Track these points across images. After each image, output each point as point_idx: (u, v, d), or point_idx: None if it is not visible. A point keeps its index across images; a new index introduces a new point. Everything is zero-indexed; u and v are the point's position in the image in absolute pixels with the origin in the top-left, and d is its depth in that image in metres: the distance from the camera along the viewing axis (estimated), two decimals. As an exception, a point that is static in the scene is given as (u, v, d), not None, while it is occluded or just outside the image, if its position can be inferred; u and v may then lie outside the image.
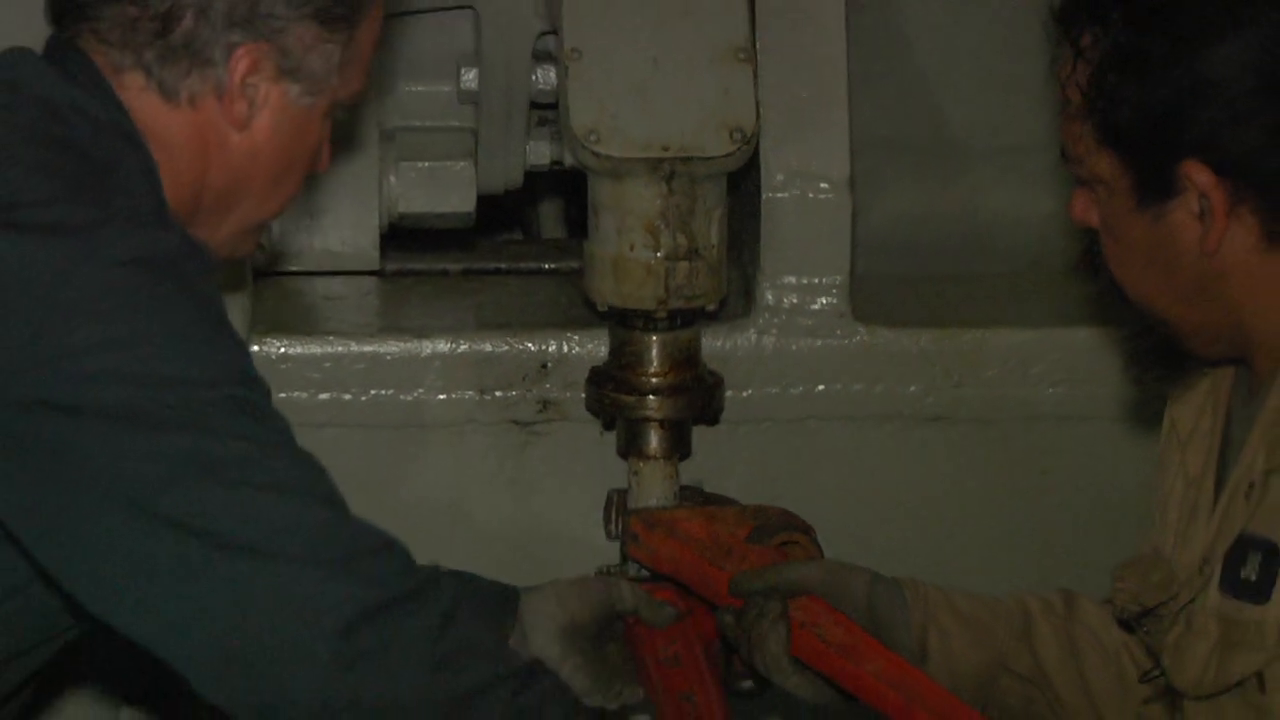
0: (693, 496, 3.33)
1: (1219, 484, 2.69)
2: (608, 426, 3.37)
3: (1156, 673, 2.76)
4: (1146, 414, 3.01)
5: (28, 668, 2.81)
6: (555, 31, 3.37)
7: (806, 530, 3.17)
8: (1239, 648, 2.54)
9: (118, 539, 2.45)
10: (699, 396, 3.29)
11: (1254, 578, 2.53)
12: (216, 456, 2.44)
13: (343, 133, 3.53)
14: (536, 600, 3.06)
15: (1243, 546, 2.55)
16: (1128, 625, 2.83)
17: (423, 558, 3.30)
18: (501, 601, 3.05)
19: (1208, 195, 2.54)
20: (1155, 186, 2.58)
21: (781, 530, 3.14)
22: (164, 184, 2.64)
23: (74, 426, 2.42)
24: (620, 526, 3.29)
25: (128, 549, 2.45)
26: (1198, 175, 2.54)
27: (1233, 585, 2.56)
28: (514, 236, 4.21)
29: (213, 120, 2.64)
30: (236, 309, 3.30)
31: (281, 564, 2.44)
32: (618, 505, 3.32)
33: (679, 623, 3.13)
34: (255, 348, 3.33)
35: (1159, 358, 2.78)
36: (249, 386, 2.53)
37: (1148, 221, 2.61)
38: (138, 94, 2.62)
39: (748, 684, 3.11)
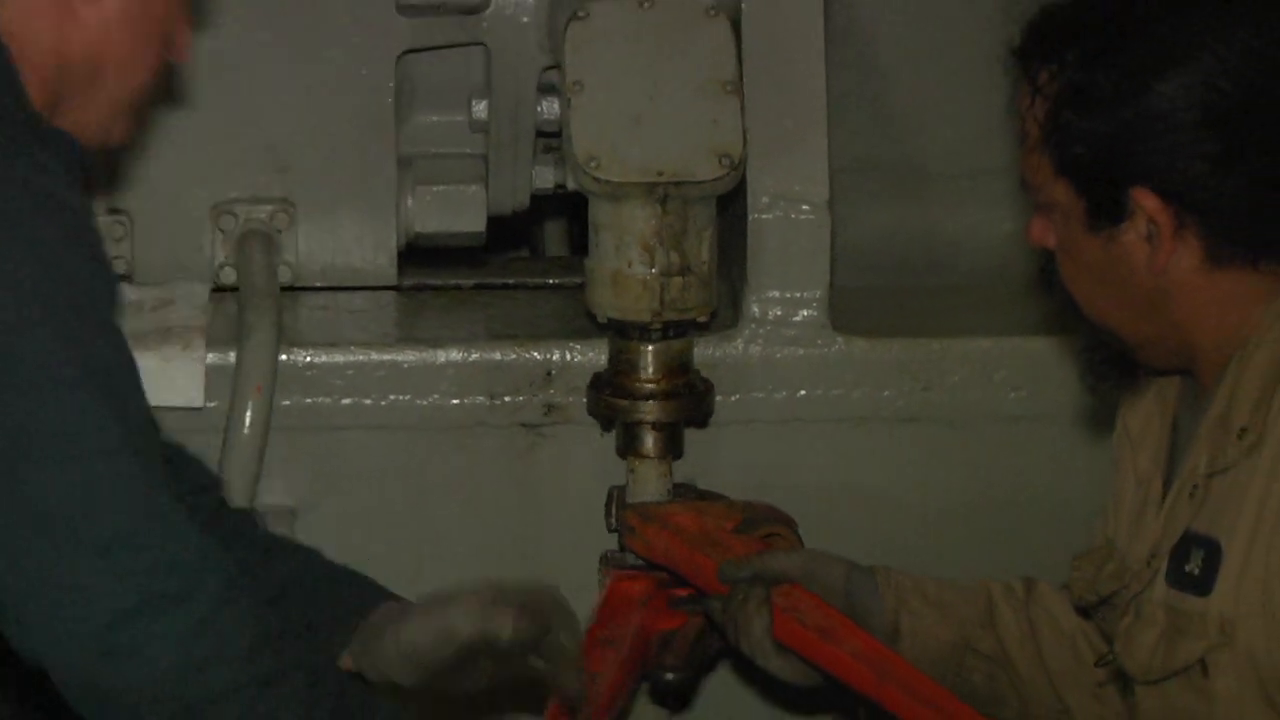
0: (685, 493, 3.32)
1: (1166, 483, 2.70)
2: (607, 428, 3.36)
3: (1110, 657, 2.74)
4: (1100, 417, 3.00)
5: None
6: (558, 66, 3.36)
7: (789, 523, 3.18)
8: (1184, 636, 2.55)
9: None
10: (691, 401, 3.30)
11: (1197, 572, 2.54)
12: (31, 410, 2.40)
13: (364, 160, 3.56)
14: (406, 622, 2.94)
15: (1187, 543, 2.56)
16: (1085, 611, 2.83)
17: (439, 549, 3.47)
18: (342, 617, 2.98)
19: (1155, 219, 2.55)
20: (1107, 211, 2.59)
21: (766, 523, 3.16)
22: (27, 71, 2.60)
23: None
24: (618, 520, 3.30)
25: None
26: (1146, 201, 2.55)
27: (1178, 579, 2.56)
28: (521, 254, 4.20)
29: (66, 3, 2.61)
30: (265, 322, 3.34)
31: (71, 551, 2.40)
32: (617, 500, 3.31)
33: (639, 611, 3.15)
34: (284, 356, 3.33)
35: (1113, 368, 2.78)
36: (98, 338, 2.49)
37: (1101, 243, 2.62)
38: None
39: (670, 676, 3.09)
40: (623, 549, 3.27)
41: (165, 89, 3.39)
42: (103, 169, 3.48)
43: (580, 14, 3.30)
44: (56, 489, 2.40)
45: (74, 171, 2.59)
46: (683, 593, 3.18)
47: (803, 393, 3.43)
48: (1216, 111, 2.54)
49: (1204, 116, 2.54)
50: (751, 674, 3.27)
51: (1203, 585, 2.53)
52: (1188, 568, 2.56)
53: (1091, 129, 2.58)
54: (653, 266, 3.21)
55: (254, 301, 3.37)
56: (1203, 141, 2.54)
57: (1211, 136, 2.54)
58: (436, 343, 3.42)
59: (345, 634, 2.96)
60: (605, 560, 3.29)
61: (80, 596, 2.39)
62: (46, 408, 2.40)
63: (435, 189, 3.59)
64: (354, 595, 3.00)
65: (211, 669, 2.42)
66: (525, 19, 3.53)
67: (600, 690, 3.03)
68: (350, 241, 3.56)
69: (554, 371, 3.39)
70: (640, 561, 3.24)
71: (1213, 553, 2.53)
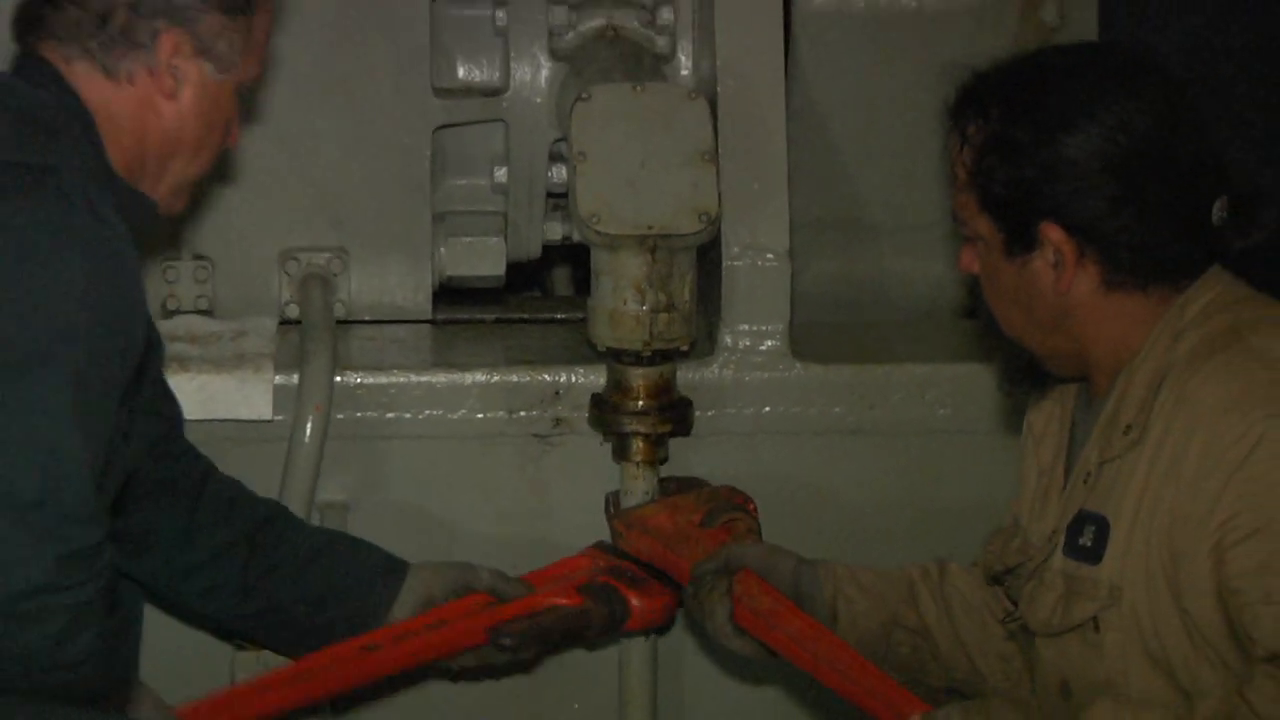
0: (670, 480, 3.31)
1: (1066, 473, 2.70)
2: (606, 438, 3.35)
3: (1015, 615, 2.75)
4: (1013, 429, 2.99)
5: None
6: (566, 139, 3.34)
7: (746, 503, 3.20)
8: (1079, 598, 2.56)
9: None
10: (674, 416, 3.30)
11: (1089, 544, 2.56)
12: (27, 419, 2.39)
13: (405, 215, 3.56)
14: (410, 578, 3.10)
15: (1081, 520, 2.58)
16: (995, 580, 2.82)
17: (465, 537, 3.42)
18: (388, 570, 3.10)
19: (1060, 249, 2.57)
20: (1021, 242, 2.60)
21: (726, 511, 3.15)
22: (113, 148, 2.63)
23: None
24: (610, 527, 3.28)
25: None
26: (1053, 234, 2.57)
27: (1074, 550, 2.58)
28: (534, 294, 4.20)
29: (148, 93, 2.65)
30: (323, 350, 3.34)
31: (10, 523, 2.39)
32: (614, 504, 3.31)
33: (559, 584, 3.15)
34: (338, 378, 3.33)
35: (1025, 375, 2.79)
36: (100, 360, 2.48)
37: (1016, 269, 2.63)
38: (86, 77, 2.63)
39: (505, 641, 3.06)
40: (614, 542, 3.27)
41: (220, 164, 3.29)
42: (189, 223, 3.48)
43: (584, 96, 3.30)
44: (27, 462, 2.40)
45: (133, 224, 2.62)
46: (601, 580, 3.18)
47: (767, 409, 3.42)
48: (1113, 160, 2.55)
49: (1103, 164, 2.55)
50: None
51: (1094, 555, 2.55)
52: (1082, 541, 2.57)
53: (1009, 173, 2.59)
54: (643, 304, 3.21)
55: (313, 333, 3.37)
56: (1102, 185, 2.55)
57: (1109, 181, 2.55)
58: (464, 367, 3.41)
59: (394, 584, 3.07)
60: (598, 547, 3.29)
61: (8, 567, 2.39)
62: (38, 395, 2.41)
63: (463, 240, 3.59)
64: (384, 561, 3.12)
65: (75, 642, 2.45)
66: (538, 100, 3.54)
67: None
68: (393, 283, 3.55)
69: (561, 391, 3.39)
70: (623, 555, 3.24)
71: (1103, 528, 2.55)
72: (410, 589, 3.12)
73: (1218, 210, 2.60)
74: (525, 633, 3.10)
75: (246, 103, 2.97)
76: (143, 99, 2.67)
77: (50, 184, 2.50)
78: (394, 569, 3.14)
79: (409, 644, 3.07)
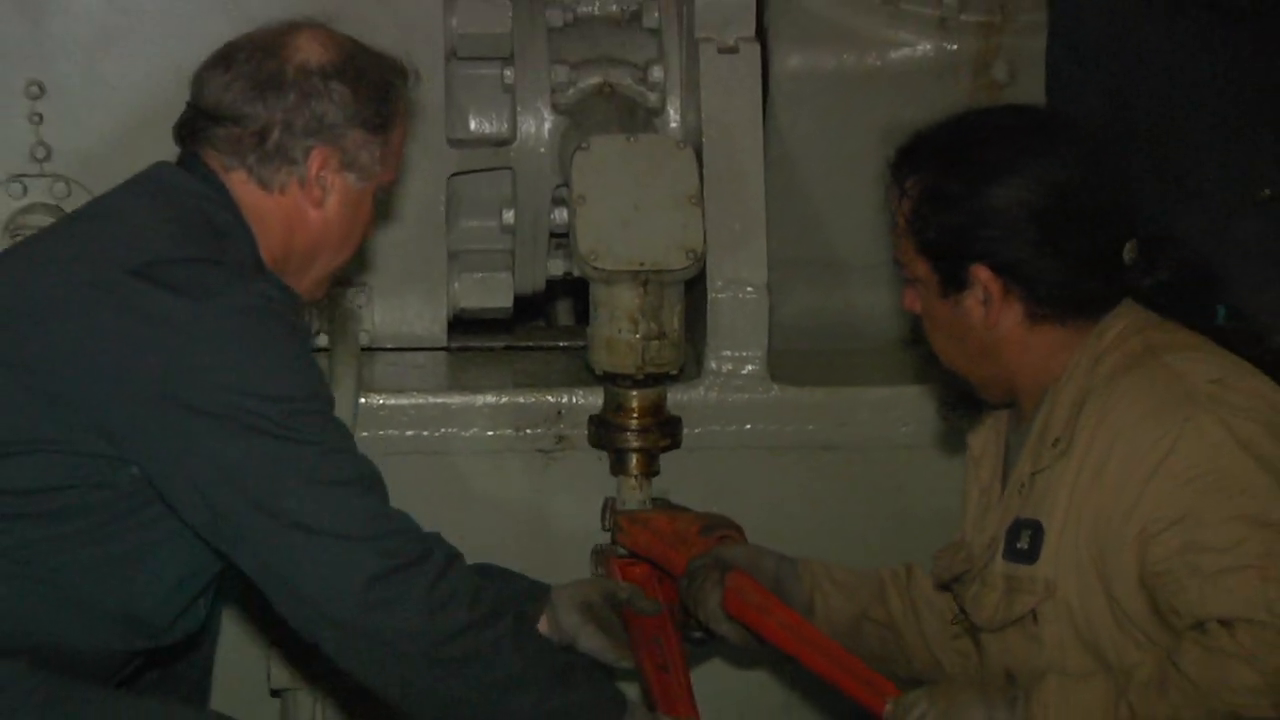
0: (661, 505, 3.32)
1: (1003, 488, 2.71)
2: (604, 454, 3.35)
3: (962, 617, 2.76)
4: (958, 444, 3.00)
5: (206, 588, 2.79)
6: (567, 184, 3.35)
7: (738, 529, 3.17)
8: (1019, 594, 2.58)
9: (221, 514, 2.51)
10: (665, 433, 3.31)
11: (1026, 547, 2.58)
12: (294, 457, 2.49)
13: (422, 254, 3.55)
14: (562, 589, 3.01)
15: (1018, 527, 2.59)
16: (944, 587, 2.83)
17: (478, 542, 3.15)
18: (536, 593, 3.00)
19: (988, 288, 2.59)
20: (954, 282, 2.62)
21: (721, 527, 3.15)
22: (262, 247, 2.67)
23: (197, 421, 2.46)
24: (611, 522, 3.29)
25: (230, 518, 2.50)
26: (982, 274, 2.59)
27: (1012, 553, 2.59)
28: (538, 324, 4.16)
29: (297, 202, 2.68)
30: (350, 374, 3.33)
31: (323, 538, 2.47)
32: (610, 507, 3.31)
33: (660, 614, 3.07)
34: (362, 400, 3.33)
35: (960, 402, 2.81)
36: (322, 401, 2.59)
37: (950, 306, 2.64)
38: (242, 185, 2.65)
39: (697, 634, 3.06)
40: (613, 542, 3.27)
41: None
42: None
43: (583, 146, 3.30)
44: (324, 504, 2.50)
45: (293, 305, 2.71)
46: (643, 570, 3.18)
47: (748, 427, 3.43)
48: (1035, 209, 2.57)
49: (1026, 213, 2.57)
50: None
51: (1031, 556, 2.57)
52: (1019, 544, 2.58)
53: (943, 221, 2.61)
54: (637, 333, 3.22)
55: (341, 359, 3.37)
56: (1025, 231, 2.57)
57: (1031, 227, 2.57)
58: (476, 390, 3.42)
59: (536, 604, 3.01)
60: (596, 551, 3.29)
61: (344, 568, 2.48)
62: (314, 451, 2.52)
63: (475, 275, 3.59)
64: (532, 585, 3.05)
65: (447, 611, 2.51)
66: (542, 150, 3.55)
67: (673, 674, 3.00)
68: (412, 314, 3.55)
69: (563, 411, 3.39)
70: (626, 552, 3.24)
71: (1037, 531, 2.56)
72: (567, 597, 3.03)
73: (1128, 252, 2.62)
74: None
75: (382, 202, 2.97)
76: (293, 207, 2.69)
77: (219, 276, 2.54)
78: (537, 593, 3.06)
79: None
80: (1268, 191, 3.07)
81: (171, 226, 2.60)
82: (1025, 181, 2.59)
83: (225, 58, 2.69)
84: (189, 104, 2.71)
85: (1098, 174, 2.62)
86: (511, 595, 2.93)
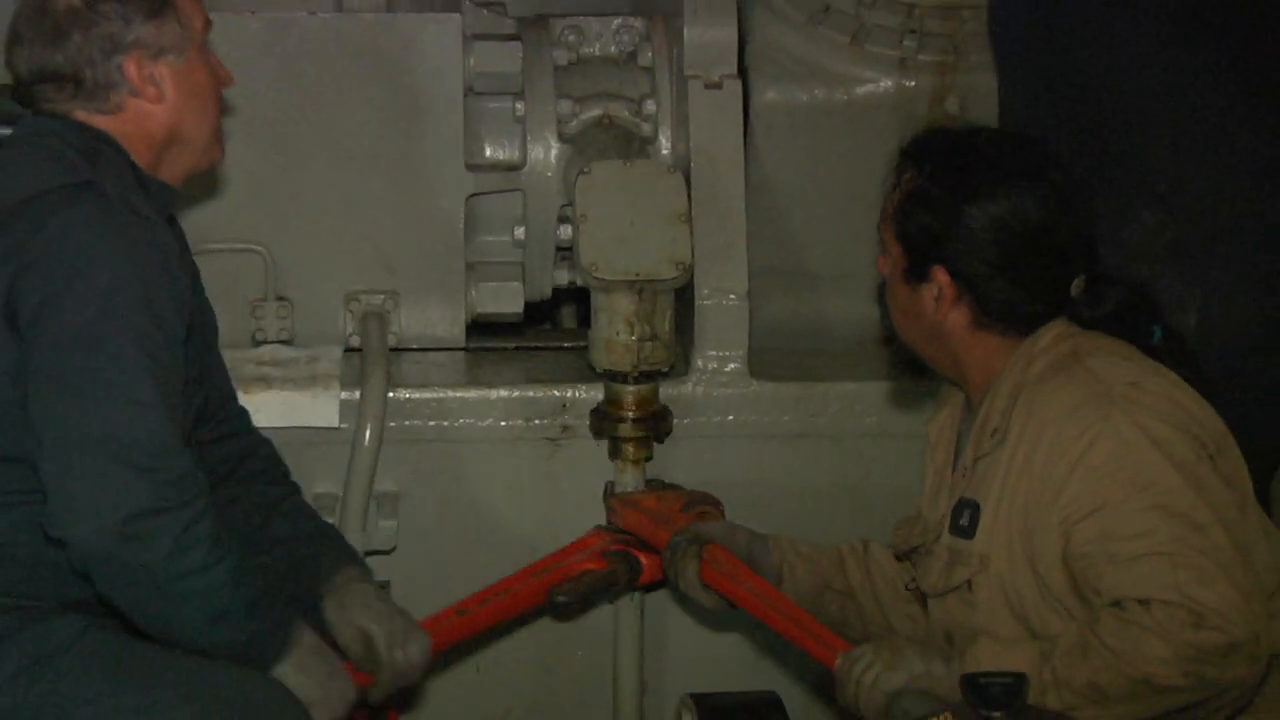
0: (656, 484, 3.32)
1: (954, 472, 2.71)
2: (602, 441, 3.37)
3: (914, 584, 2.78)
4: (916, 432, 2.96)
5: None
6: (571, 204, 3.36)
7: (717, 503, 3.20)
8: (958, 566, 2.60)
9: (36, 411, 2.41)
10: (656, 423, 3.31)
11: (966, 524, 2.59)
12: (112, 378, 2.39)
13: (444, 265, 3.53)
14: (347, 610, 2.79)
15: (961, 505, 2.61)
16: (902, 556, 2.83)
17: (492, 519, 3.41)
18: (335, 561, 2.84)
19: (943, 289, 2.59)
20: (917, 273, 2.62)
21: (701, 504, 3.18)
22: (133, 155, 2.60)
23: (46, 323, 2.40)
24: (607, 504, 3.31)
25: (34, 425, 2.40)
26: (940, 276, 2.59)
27: (956, 529, 2.61)
28: (545, 327, 4.12)
29: (141, 108, 2.61)
30: (380, 371, 3.34)
31: (101, 459, 2.37)
32: (609, 490, 3.33)
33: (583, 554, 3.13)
34: (391, 394, 3.33)
35: (908, 368, 2.86)
36: (163, 325, 2.47)
37: (909, 291, 2.64)
38: (90, 116, 2.59)
39: (560, 598, 3.07)
40: (610, 523, 3.28)
41: (296, 225, 3.33)
42: (274, 272, 3.48)
43: (585, 171, 3.32)
44: (111, 421, 2.39)
45: (164, 212, 2.63)
46: (617, 549, 3.18)
47: (731, 418, 3.43)
48: (1001, 235, 2.57)
49: (992, 237, 2.56)
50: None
51: (969, 532, 2.58)
52: (961, 522, 2.60)
53: (922, 220, 2.61)
54: (633, 335, 3.24)
55: (371, 358, 3.38)
56: (987, 251, 2.57)
57: (993, 250, 2.57)
58: (491, 385, 3.42)
59: (316, 582, 2.82)
60: (599, 528, 3.28)
61: (113, 496, 2.38)
62: (113, 365, 2.41)
63: (490, 284, 3.59)
64: (328, 553, 2.87)
65: (186, 556, 2.41)
66: (549, 174, 3.55)
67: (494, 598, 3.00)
68: (435, 318, 3.55)
69: (567, 404, 3.40)
70: (620, 530, 3.23)
71: (975, 510, 2.58)
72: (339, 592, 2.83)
73: (1076, 287, 2.61)
74: (575, 590, 3.12)
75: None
76: (137, 114, 2.63)
77: (92, 195, 2.50)
78: (352, 558, 2.92)
79: (491, 606, 3.04)
80: (1161, 186, 3.03)
81: (38, 162, 2.57)
82: (999, 209, 2.57)
83: (15, 34, 2.64)
84: (14, 83, 2.66)
85: (1067, 217, 2.60)
86: (289, 540, 2.85)
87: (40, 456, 2.42)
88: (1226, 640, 2.32)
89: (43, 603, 2.54)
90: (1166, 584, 2.34)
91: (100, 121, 2.62)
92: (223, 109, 2.81)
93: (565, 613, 3.24)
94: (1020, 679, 2.16)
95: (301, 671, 2.59)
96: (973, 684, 2.14)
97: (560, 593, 3.11)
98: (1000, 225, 2.57)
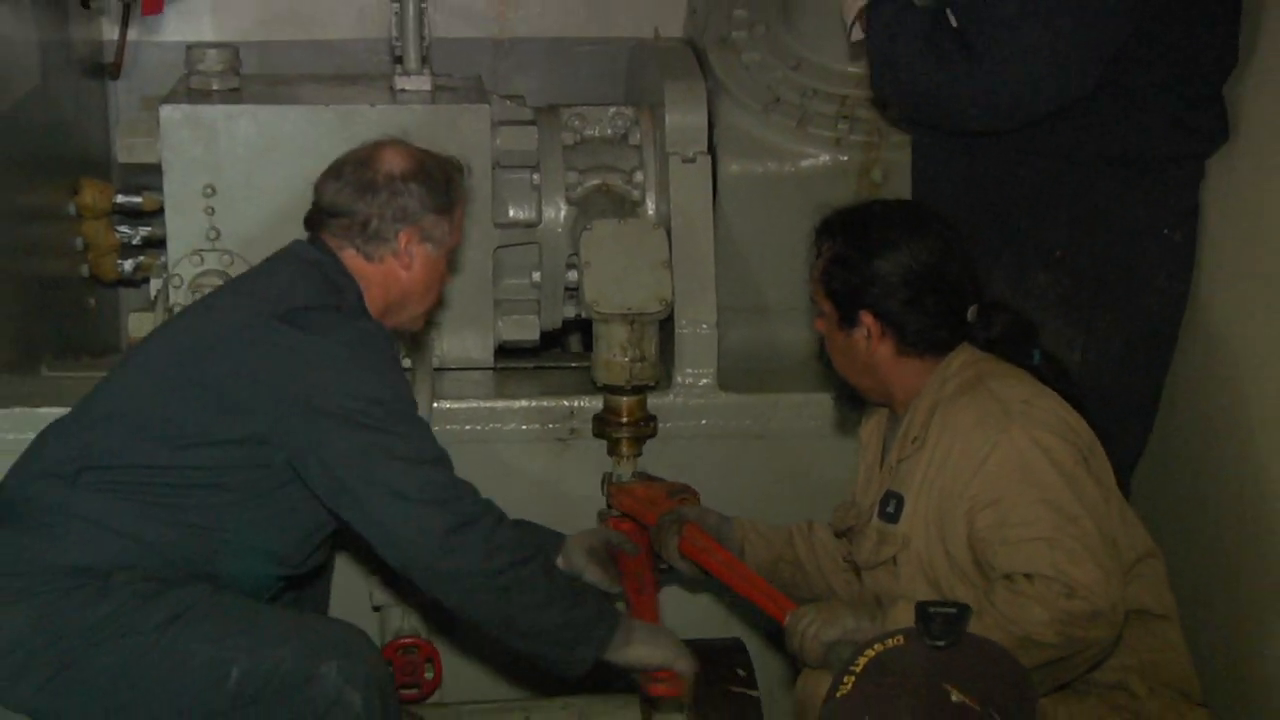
0: (644, 476, 3.31)
1: (881, 468, 2.72)
2: (602, 442, 3.35)
3: (849, 557, 2.79)
4: (850, 435, 3.02)
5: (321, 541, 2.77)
6: (577, 254, 3.36)
7: (694, 491, 3.19)
8: (885, 544, 2.62)
9: (342, 486, 2.51)
10: (646, 428, 3.30)
11: (892, 511, 2.61)
12: (390, 443, 2.50)
13: (477, 303, 3.47)
14: (573, 538, 3.00)
15: (888, 497, 2.63)
16: (840, 534, 2.84)
17: (514, 504, 3.04)
18: (555, 540, 2.99)
19: (870, 329, 2.61)
20: (848, 321, 2.63)
21: (682, 492, 3.17)
22: (367, 299, 2.67)
23: (323, 420, 2.49)
24: (607, 492, 3.29)
25: (347, 488, 2.51)
26: (866, 319, 2.60)
27: (884, 515, 2.63)
28: (556, 350, 4.03)
29: (392, 268, 2.68)
30: (426, 386, 3.29)
31: (413, 504, 2.49)
32: (607, 480, 3.31)
33: (639, 554, 3.07)
34: (435, 404, 3.29)
35: (849, 400, 2.82)
36: (407, 403, 2.60)
37: (843, 337, 2.65)
38: (352, 258, 2.67)
39: (663, 567, 3.05)
40: (609, 507, 3.27)
41: None
42: None
43: (588, 227, 3.31)
44: (413, 479, 2.51)
45: (389, 339, 2.71)
46: (627, 526, 3.17)
47: (703, 423, 3.42)
48: (907, 277, 2.58)
49: (901, 279, 2.58)
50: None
51: (895, 518, 2.60)
52: (888, 510, 2.62)
53: (844, 278, 2.62)
54: (626, 357, 3.24)
55: (420, 376, 3.34)
56: (899, 293, 2.58)
57: (903, 290, 2.58)
58: (514, 397, 3.40)
59: (555, 548, 2.96)
60: (600, 515, 3.28)
61: (426, 525, 2.50)
62: (405, 441, 2.53)
63: (513, 317, 3.56)
64: (552, 533, 3.01)
65: (498, 556, 2.52)
66: (559, 230, 3.53)
67: (646, 592, 2.98)
68: (470, 345, 3.51)
69: (574, 412, 3.37)
70: (618, 512, 3.23)
71: (900, 501, 2.60)
72: (576, 543, 3.00)
73: (971, 314, 2.63)
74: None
75: (453, 263, 2.91)
76: (389, 272, 2.69)
77: (341, 314, 2.60)
78: (555, 539, 3.02)
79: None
80: (1058, 253, 3.02)
81: (303, 284, 2.62)
82: (902, 258, 2.58)
83: (336, 170, 2.70)
84: (313, 203, 2.72)
85: (953, 258, 2.61)
86: (538, 541, 2.90)
87: (346, 510, 2.53)
88: (1092, 608, 2.34)
89: (179, 574, 2.58)
90: (1046, 562, 2.36)
91: (355, 262, 2.67)
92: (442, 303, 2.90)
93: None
94: (964, 609, 2.12)
95: (649, 643, 2.68)
96: (922, 610, 2.08)
97: (660, 564, 3.05)
98: (905, 269, 2.57)
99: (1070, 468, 2.45)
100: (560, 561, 2.97)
